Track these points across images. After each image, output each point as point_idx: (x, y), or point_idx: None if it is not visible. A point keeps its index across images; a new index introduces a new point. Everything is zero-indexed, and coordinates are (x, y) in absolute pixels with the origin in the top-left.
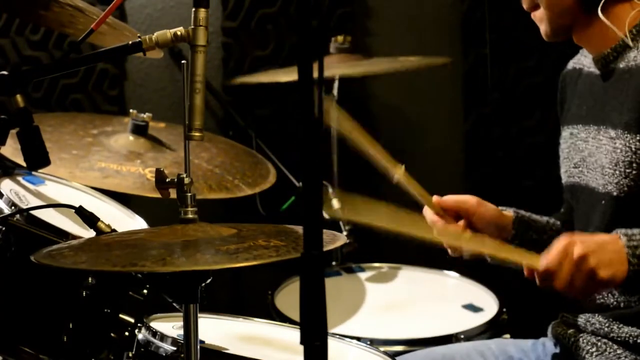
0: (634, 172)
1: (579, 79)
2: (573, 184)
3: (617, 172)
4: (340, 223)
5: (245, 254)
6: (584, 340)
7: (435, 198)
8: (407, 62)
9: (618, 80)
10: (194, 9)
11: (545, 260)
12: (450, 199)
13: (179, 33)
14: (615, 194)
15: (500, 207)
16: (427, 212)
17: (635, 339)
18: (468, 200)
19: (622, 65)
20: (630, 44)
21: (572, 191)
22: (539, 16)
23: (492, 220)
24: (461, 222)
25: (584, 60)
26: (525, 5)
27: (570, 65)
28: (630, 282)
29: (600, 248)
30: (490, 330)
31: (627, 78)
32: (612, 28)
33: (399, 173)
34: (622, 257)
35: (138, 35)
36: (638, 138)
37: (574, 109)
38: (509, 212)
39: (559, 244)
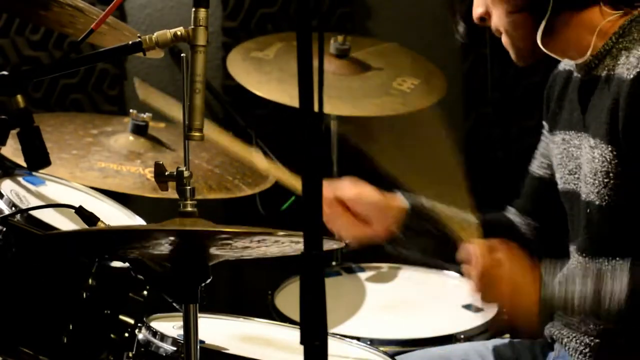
0: (611, 181)
1: (570, 83)
2: (567, 190)
3: (597, 181)
4: None
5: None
6: (577, 341)
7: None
8: (406, 87)
9: (598, 88)
10: (194, 9)
11: (473, 246)
12: (326, 191)
13: (179, 33)
14: (597, 202)
15: (395, 192)
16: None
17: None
18: (344, 190)
19: (603, 73)
20: (602, 58)
21: (567, 198)
22: (504, 42)
23: (374, 209)
24: (341, 211)
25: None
26: (495, 33)
27: (561, 66)
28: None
29: (521, 272)
30: (490, 330)
31: (605, 87)
32: (554, 55)
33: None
34: (532, 290)
35: (138, 35)
36: (610, 149)
37: (566, 114)
38: (400, 198)
39: (495, 241)
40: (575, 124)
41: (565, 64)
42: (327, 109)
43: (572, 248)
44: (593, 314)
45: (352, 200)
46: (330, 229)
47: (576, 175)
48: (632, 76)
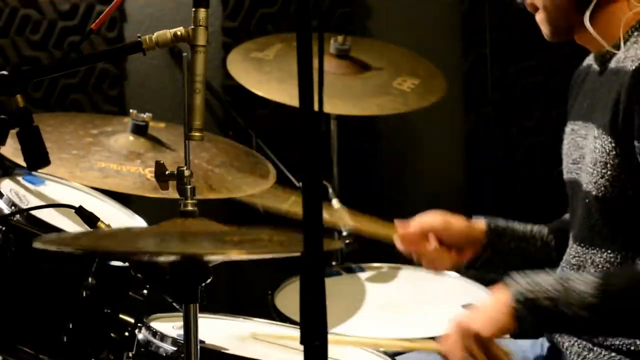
0: (608, 172)
1: (587, 76)
2: (570, 180)
3: (595, 171)
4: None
5: (250, 245)
6: (580, 345)
7: (398, 229)
8: (406, 87)
9: (607, 79)
10: (194, 9)
11: (442, 346)
12: (414, 226)
13: (179, 33)
14: (594, 193)
15: (474, 217)
16: (397, 241)
17: (628, 346)
18: (432, 222)
19: (613, 65)
20: (622, 47)
21: (570, 187)
22: (540, 18)
23: (461, 235)
24: (432, 242)
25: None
26: (529, 8)
27: (585, 62)
28: (523, 327)
29: (481, 311)
30: None
31: (614, 79)
32: (598, 35)
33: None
34: (505, 307)
35: (138, 35)
36: (610, 140)
37: (577, 105)
38: (481, 222)
39: (451, 325)
40: (584, 114)
41: (588, 60)
42: (327, 108)
43: (571, 236)
44: (565, 313)
45: (441, 230)
46: (418, 260)
47: (579, 165)
48: (634, 67)
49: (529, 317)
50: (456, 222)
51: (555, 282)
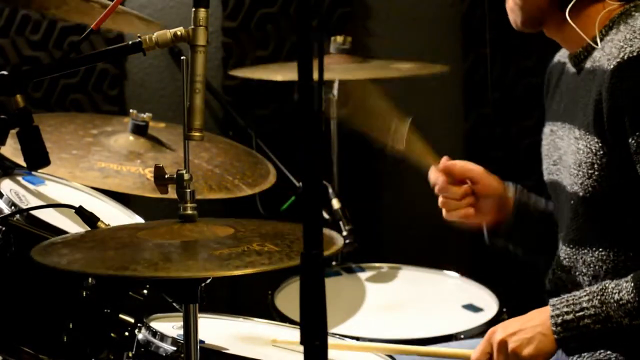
0: (595, 172)
1: (562, 74)
2: (552, 181)
3: (581, 172)
4: (340, 223)
5: (237, 261)
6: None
7: (443, 159)
8: (405, 68)
9: (585, 79)
10: (194, 9)
11: (474, 354)
12: (458, 163)
13: (179, 33)
14: (581, 194)
15: (505, 182)
16: (432, 170)
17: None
18: (475, 168)
19: (589, 65)
20: (599, 45)
21: (552, 189)
22: (512, 4)
23: (496, 192)
24: (465, 186)
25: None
26: None
27: (556, 58)
28: (567, 349)
29: (521, 327)
30: None
31: (591, 79)
32: (579, 32)
33: (403, 131)
34: (545, 329)
35: (138, 35)
36: (596, 140)
37: (555, 105)
38: (511, 190)
39: (486, 335)
40: (562, 115)
41: (560, 56)
42: (331, 75)
43: (560, 238)
44: (607, 327)
45: (479, 178)
46: (439, 194)
47: (558, 167)
48: (612, 66)
49: (571, 340)
50: (494, 178)
51: (592, 298)
